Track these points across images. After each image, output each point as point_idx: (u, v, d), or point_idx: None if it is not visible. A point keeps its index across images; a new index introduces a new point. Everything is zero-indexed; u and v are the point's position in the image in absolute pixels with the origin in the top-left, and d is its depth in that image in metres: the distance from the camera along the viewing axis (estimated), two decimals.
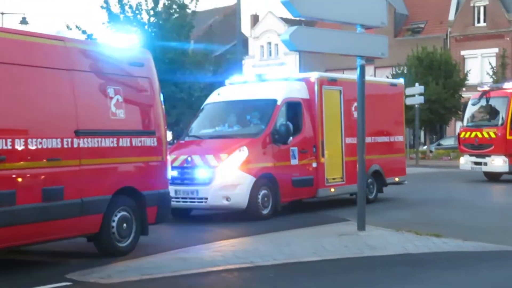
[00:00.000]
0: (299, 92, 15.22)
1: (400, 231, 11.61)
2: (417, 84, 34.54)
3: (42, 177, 8.91)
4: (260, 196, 13.74)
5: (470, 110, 25.02)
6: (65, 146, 9.19)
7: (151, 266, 8.93)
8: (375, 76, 47.68)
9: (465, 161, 24.54)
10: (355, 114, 15.53)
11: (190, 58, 24.34)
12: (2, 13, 46.09)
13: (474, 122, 24.79)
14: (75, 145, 9.31)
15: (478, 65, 47.21)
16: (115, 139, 9.94)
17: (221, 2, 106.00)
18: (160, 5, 22.45)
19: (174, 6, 22.44)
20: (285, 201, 14.61)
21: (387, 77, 42.84)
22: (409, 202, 17.31)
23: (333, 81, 16.00)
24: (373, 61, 44.23)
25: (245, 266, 8.97)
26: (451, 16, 49.48)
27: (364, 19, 11.51)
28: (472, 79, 43.31)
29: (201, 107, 16.19)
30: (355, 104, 15.51)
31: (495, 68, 44.10)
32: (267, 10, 62.60)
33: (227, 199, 13.45)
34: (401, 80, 19.57)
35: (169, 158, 12.98)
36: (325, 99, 15.43)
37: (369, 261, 9.43)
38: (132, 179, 10.30)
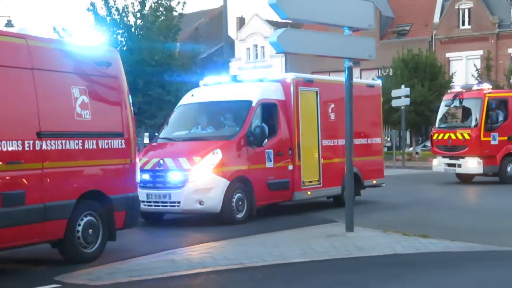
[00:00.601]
0: (274, 93, 14.97)
1: (388, 232, 11.67)
2: (403, 86, 34.73)
3: (2, 181, 8.45)
4: (234, 200, 13.46)
5: (443, 111, 24.81)
6: (27, 148, 8.78)
7: (140, 268, 8.92)
8: (360, 79, 47.91)
9: (438, 163, 24.25)
10: (332, 116, 16.01)
11: (176, 60, 24.30)
12: None
13: (447, 123, 24.65)
14: (37, 148, 8.91)
15: (463, 67, 47.49)
16: (80, 141, 9.58)
17: (207, 4, 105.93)
18: (147, 8, 22.40)
19: (161, 9, 22.42)
20: (261, 204, 14.29)
21: (373, 79, 43.10)
22: (396, 204, 17.37)
23: (309, 82, 15.75)
24: (359, 63, 44.31)
25: (234, 267, 8.97)
26: (436, 18, 49.74)
27: (351, 21, 11.55)
28: (457, 81, 43.49)
29: (174, 109, 15.93)
30: (332, 105, 15.97)
31: (480, 70, 44.36)
32: (253, 12, 62.69)
33: (200, 203, 13.14)
34: (378, 82, 19.20)
35: (141, 161, 13.09)
36: (301, 100, 15.17)
37: (357, 262, 9.46)
38: (99, 182, 9.92)
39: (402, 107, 34.21)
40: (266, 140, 14.15)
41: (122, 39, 22.00)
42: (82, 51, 10.14)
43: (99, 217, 9.84)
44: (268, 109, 14.70)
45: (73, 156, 9.48)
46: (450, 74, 45.08)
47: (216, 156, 13.37)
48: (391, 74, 41.61)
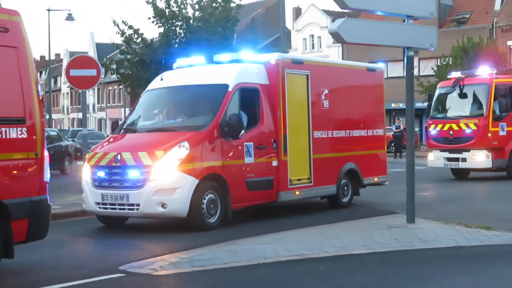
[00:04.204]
0: (256, 76, 12.92)
1: (450, 223, 11.53)
2: None
3: None
4: (205, 202, 11.49)
5: (441, 100, 22.15)
6: None
7: (202, 258, 8.99)
8: (419, 69, 47.23)
9: (435, 157, 21.63)
10: (326, 104, 14.14)
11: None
12: (49, 10, 46.82)
13: (446, 113, 21.85)
14: None
15: None
16: None
17: None
18: None
19: (219, 0, 22.48)
20: (238, 207, 12.28)
21: (432, 69, 42.46)
22: (452, 196, 17.08)
23: (298, 64, 13.68)
24: (417, 52, 43.74)
25: (296, 258, 8.99)
26: (497, 6, 48.64)
27: (412, 10, 11.43)
28: None
29: (141, 95, 14.10)
30: (326, 91, 14.11)
31: None
32: (309, 2, 62.36)
33: (163, 205, 11.23)
34: (381, 65, 16.77)
35: (96, 155, 11.91)
36: (288, 85, 13.14)
37: (420, 254, 9.36)
38: None
39: None
40: (243, 131, 12.15)
41: (181, 31, 22.10)
42: None
43: None
44: (248, 95, 12.68)
45: None
46: None
47: (182, 150, 11.44)
48: (450, 63, 40.89)
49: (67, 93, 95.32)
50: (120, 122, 14.03)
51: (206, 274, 8.31)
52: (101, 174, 11.80)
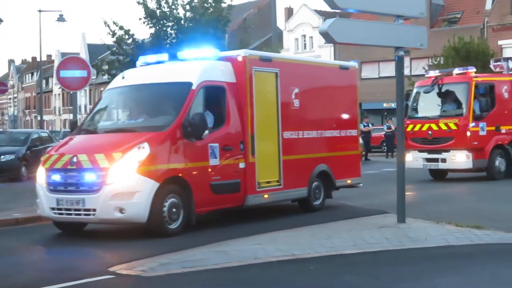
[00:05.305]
0: (222, 74, 12.41)
1: (440, 223, 11.55)
2: None
3: None
4: (166, 206, 10.95)
5: (420, 99, 21.59)
6: None
7: (193, 259, 8.98)
8: (410, 68, 47.29)
9: (414, 158, 20.92)
10: (296, 103, 13.64)
11: None
12: (40, 11, 46.68)
13: (425, 112, 21.29)
14: None
15: None
16: None
17: None
18: (196, 0, 22.49)
19: (210, 0, 22.49)
20: (202, 211, 11.88)
21: (423, 69, 42.51)
22: (444, 195, 17.11)
23: (266, 61, 13.11)
24: (409, 52, 43.79)
25: (286, 258, 8.98)
26: (488, 5, 48.74)
27: (402, 9, 11.46)
28: None
29: (102, 94, 13.53)
30: (296, 90, 13.62)
31: None
32: (301, 2, 62.45)
33: (121, 210, 10.69)
34: (354, 63, 15.97)
35: (51, 158, 11.48)
36: (256, 83, 12.61)
37: (411, 253, 9.38)
38: None
39: None
40: (207, 131, 11.56)
41: (172, 31, 22.11)
42: None
43: None
44: (214, 94, 12.16)
45: None
46: None
47: (142, 152, 10.90)
48: (442, 62, 40.95)
49: (59, 94, 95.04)
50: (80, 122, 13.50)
51: (196, 275, 8.29)
52: (56, 177, 11.25)
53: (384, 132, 37.25)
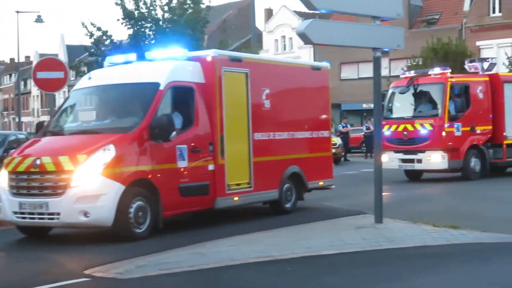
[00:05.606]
0: (191, 74, 12.19)
1: (418, 223, 11.59)
2: None
3: None
4: (132, 210, 10.69)
5: (396, 99, 21.61)
6: None
7: (169, 261, 8.95)
8: (390, 69, 47.52)
9: (390, 159, 20.68)
10: (267, 104, 13.45)
11: None
12: (18, 12, 46.41)
13: (401, 113, 21.29)
14: None
15: (494, 56, 46.84)
16: None
17: None
18: (175, 1, 22.41)
19: (188, 1, 22.39)
20: (170, 214, 11.58)
21: (402, 69, 42.74)
22: (423, 195, 17.20)
23: (236, 61, 12.87)
24: (388, 53, 43.99)
25: (264, 260, 8.96)
26: (466, 6, 49.10)
27: (379, 11, 11.50)
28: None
29: (68, 95, 13.26)
30: (267, 90, 13.43)
31: (511, 59, 43.74)
32: (281, 4, 62.53)
33: (86, 214, 10.41)
34: (326, 64, 15.69)
35: (13, 160, 11.22)
36: (226, 83, 12.41)
37: (388, 253, 9.40)
38: None
39: None
40: (174, 133, 11.37)
41: (150, 32, 21.99)
42: None
43: None
44: (182, 94, 11.94)
45: None
46: None
47: (107, 154, 10.65)
48: (420, 63, 41.19)
49: (37, 95, 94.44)
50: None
51: (173, 277, 8.25)
52: (19, 180, 10.95)
53: (364, 133, 37.42)
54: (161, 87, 11.65)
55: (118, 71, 12.72)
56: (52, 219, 10.66)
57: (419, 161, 20.62)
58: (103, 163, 10.58)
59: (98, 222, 10.61)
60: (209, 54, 12.53)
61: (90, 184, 10.50)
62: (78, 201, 10.44)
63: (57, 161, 10.67)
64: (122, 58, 13.03)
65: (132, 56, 12.98)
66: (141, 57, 12.90)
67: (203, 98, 12.19)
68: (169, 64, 12.27)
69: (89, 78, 12.86)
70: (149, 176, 11.08)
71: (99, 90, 12.54)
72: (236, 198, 12.64)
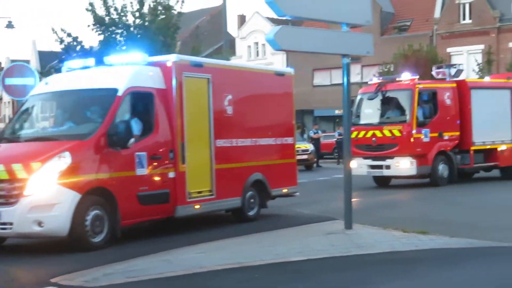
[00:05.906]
0: (151, 79, 11.96)
1: (387, 229, 11.62)
2: None
3: None
4: (89, 219, 10.44)
5: (364, 106, 21.50)
6: None
7: (137, 268, 8.88)
8: (362, 75, 47.79)
9: (359, 165, 20.61)
10: (229, 110, 13.26)
11: None
12: None
13: (369, 119, 21.21)
14: None
15: (464, 62, 47.30)
16: None
17: (208, 3, 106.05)
18: (146, 7, 22.33)
19: (160, 8, 22.32)
20: (129, 223, 11.36)
21: (374, 76, 43.01)
22: (393, 201, 17.29)
23: (197, 67, 12.65)
24: (360, 59, 44.27)
25: (232, 267, 8.92)
26: (437, 13, 49.57)
27: (349, 17, 11.52)
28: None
29: (24, 100, 12.94)
30: (229, 96, 13.25)
31: (481, 65, 44.22)
32: (253, 10, 62.64)
33: (40, 224, 10.12)
34: (290, 70, 15.70)
35: None
36: (187, 89, 12.21)
37: (356, 259, 9.38)
38: None
39: None
40: (133, 140, 11.13)
41: (121, 38, 21.88)
42: None
43: None
44: (142, 100, 11.73)
45: None
46: None
47: (62, 161, 10.36)
48: (392, 70, 41.49)
49: (9, 102, 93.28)
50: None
51: (140, 284, 8.18)
52: None
53: (336, 139, 37.56)
54: (120, 93, 11.40)
55: (76, 76, 12.45)
56: (5, 229, 10.34)
57: (388, 167, 20.64)
58: (58, 171, 10.30)
59: (53, 232, 10.34)
60: (169, 59, 12.32)
61: (45, 193, 10.20)
62: (32, 211, 10.14)
63: (10, 169, 10.38)
64: (80, 63, 12.75)
65: (91, 61, 12.69)
66: (99, 62, 12.62)
67: (164, 104, 11.97)
68: (128, 69, 12.04)
69: (46, 83, 12.58)
70: (106, 184, 10.82)
71: (56, 95, 12.26)
72: (197, 206, 12.44)
